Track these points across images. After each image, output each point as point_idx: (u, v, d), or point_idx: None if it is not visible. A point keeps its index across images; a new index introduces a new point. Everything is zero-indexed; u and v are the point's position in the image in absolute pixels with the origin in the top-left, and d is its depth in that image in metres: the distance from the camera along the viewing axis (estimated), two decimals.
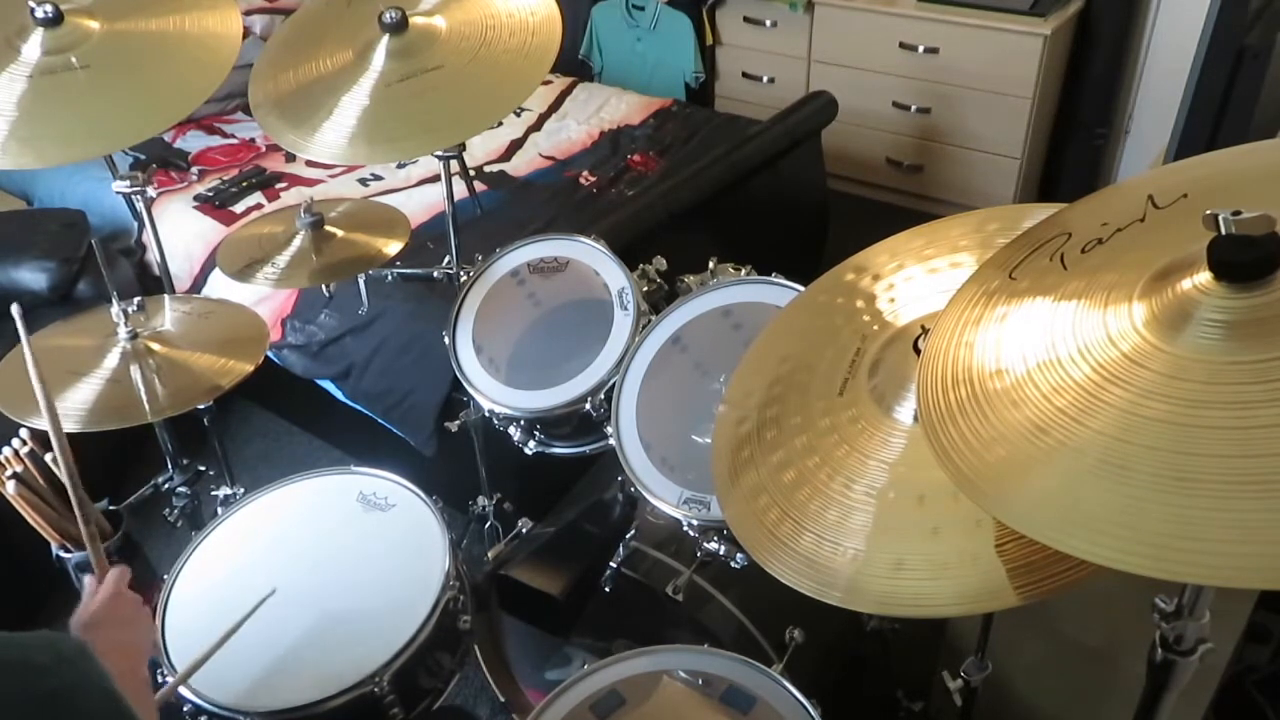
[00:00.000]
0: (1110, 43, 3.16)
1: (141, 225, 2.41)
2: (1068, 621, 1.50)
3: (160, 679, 1.25)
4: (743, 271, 1.50)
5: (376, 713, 1.26)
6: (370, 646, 1.26)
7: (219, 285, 2.46)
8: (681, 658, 1.27)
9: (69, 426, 1.32)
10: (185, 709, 1.23)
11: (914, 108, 3.38)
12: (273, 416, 2.78)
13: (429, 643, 1.29)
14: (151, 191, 1.56)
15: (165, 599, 1.34)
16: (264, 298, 2.34)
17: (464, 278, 1.66)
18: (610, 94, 3.29)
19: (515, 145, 2.98)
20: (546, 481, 1.83)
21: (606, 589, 1.47)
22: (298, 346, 2.39)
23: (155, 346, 1.44)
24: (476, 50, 1.48)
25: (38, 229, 2.47)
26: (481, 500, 1.99)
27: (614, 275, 1.55)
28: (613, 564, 1.47)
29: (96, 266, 2.43)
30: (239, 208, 2.65)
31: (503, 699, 1.69)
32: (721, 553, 1.31)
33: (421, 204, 2.55)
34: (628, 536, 1.49)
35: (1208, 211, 0.68)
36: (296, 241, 1.60)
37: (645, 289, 1.55)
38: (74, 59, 1.41)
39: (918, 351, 1.01)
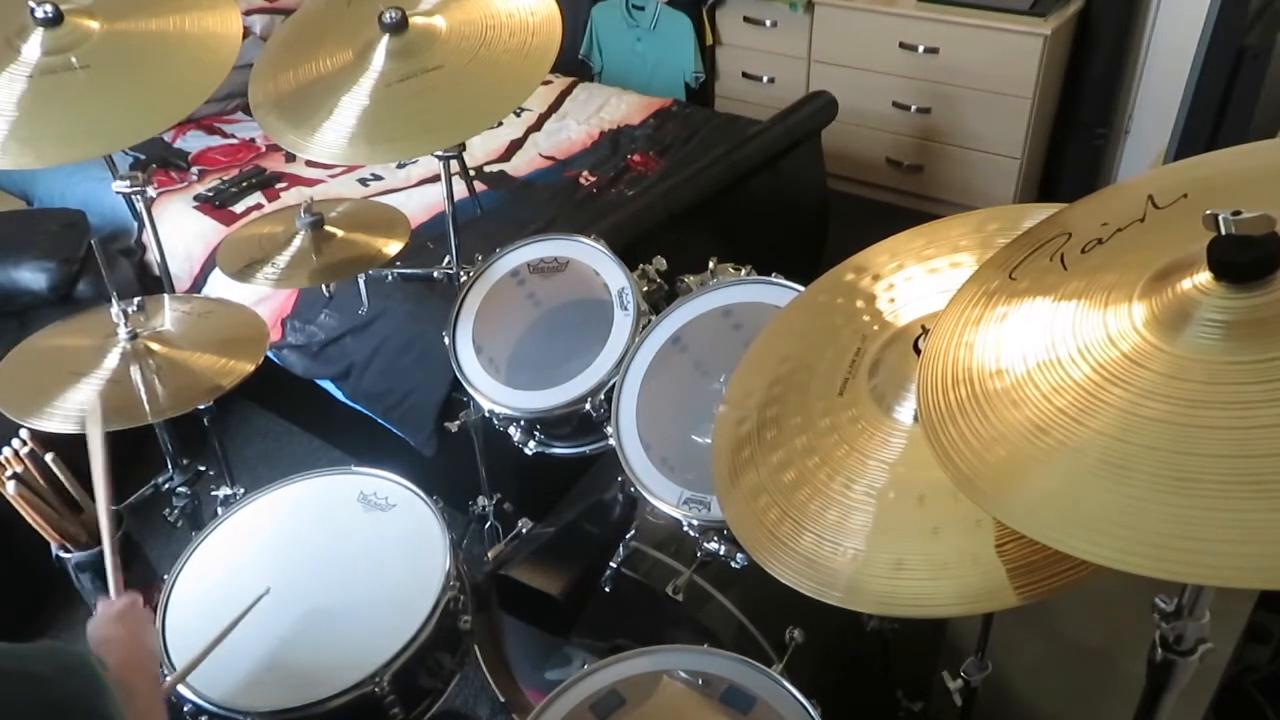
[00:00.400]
0: (1110, 43, 3.16)
1: (141, 225, 2.41)
2: (1068, 621, 1.50)
3: (160, 678, 1.25)
4: (743, 271, 1.50)
5: (377, 713, 1.26)
6: (370, 646, 1.26)
7: (219, 285, 2.46)
8: (681, 658, 1.27)
9: (69, 427, 1.32)
10: (185, 709, 1.24)
11: (914, 108, 3.38)
12: (273, 416, 2.78)
13: (429, 643, 1.29)
14: (151, 191, 1.57)
15: (165, 599, 1.34)
16: (264, 298, 2.34)
17: (464, 278, 1.66)
18: (610, 94, 3.29)
19: (515, 145, 2.98)
20: (546, 481, 1.83)
21: (606, 589, 1.47)
22: (298, 346, 2.39)
23: (155, 346, 1.45)
24: (476, 50, 1.48)
25: (38, 229, 2.47)
26: (481, 500, 1.99)
27: (614, 275, 1.55)
28: (613, 564, 1.47)
29: (96, 266, 2.43)
30: (239, 208, 2.65)
31: (503, 699, 1.69)
32: (721, 553, 1.31)
33: (421, 204, 2.55)
34: (628, 536, 1.49)
35: (1208, 211, 0.68)
36: (296, 241, 1.60)
37: (645, 289, 1.55)
38: (74, 59, 1.41)
39: (918, 351, 1.01)
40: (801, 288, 1.33)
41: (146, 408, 1.36)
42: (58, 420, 1.33)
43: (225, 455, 1.77)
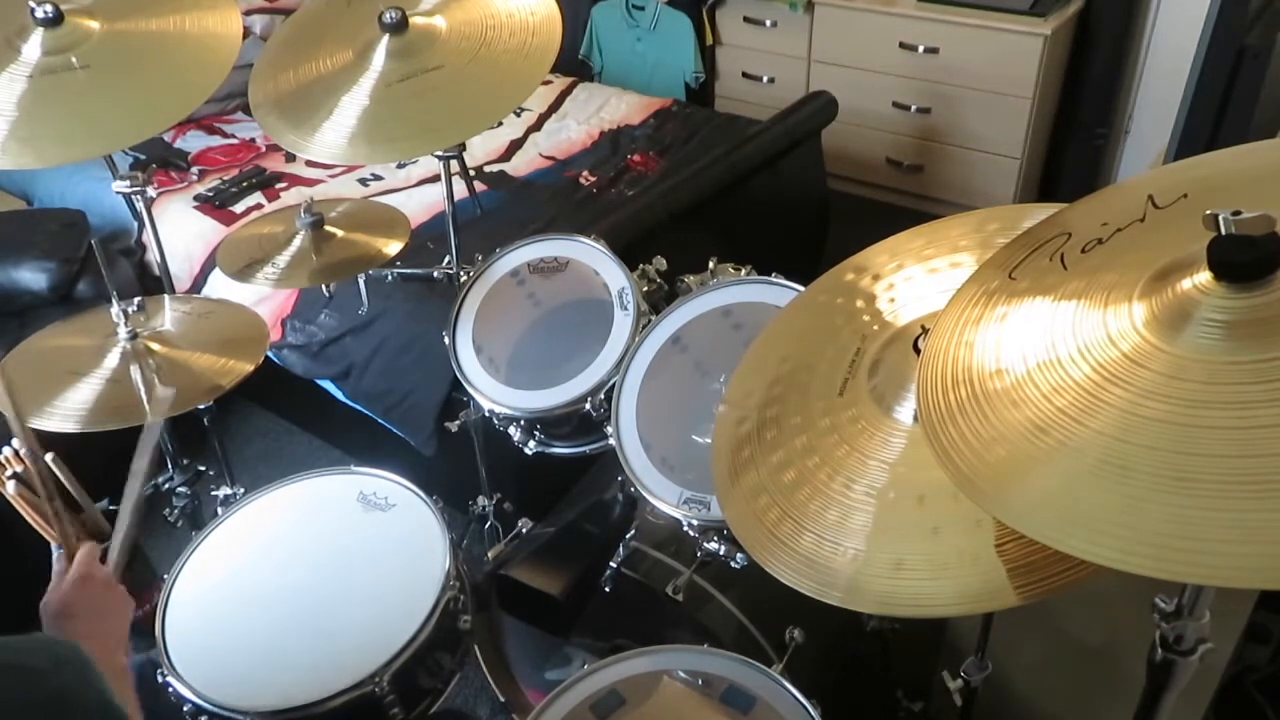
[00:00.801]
0: (1110, 43, 3.16)
1: (141, 225, 2.41)
2: (1068, 621, 1.50)
3: (160, 679, 1.25)
4: (743, 271, 1.50)
5: (377, 713, 1.26)
6: (370, 646, 1.26)
7: (219, 285, 2.46)
8: (681, 658, 1.27)
9: (69, 427, 1.32)
10: (185, 709, 1.23)
11: (914, 108, 3.38)
12: (273, 416, 2.78)
13: (429, 643, 1.29)
14: (151, 191, 1.57)
15: (165, 599, 1.34)
16: (264, 298, 2.34)
17: (464, 278, 1.66)
18: (610, 94, 3.29)
19: (515, 145, 2.98)
20: (546, 481, 1.83)
21: (606, 589, 1.47)
22: (298, 346, 2.39)
23: (155, 346, 1.45)
24: (476, 50, 1.48)
25: (38, 229, 2.47)
26: (481, 500, 1.99)
27: (614, 275, 1.55)
28: (613, 564, 1.47)
29: (96, 266, 2.43)
30: (239, 208, 2.65)
31: (503, 699, 1.69)
32: (721, 553, 1.31)
33: (421, 204, 2.56)
34: (628, 536, 1.49)
35: (1208, 211, 0.68)
36: (296, 241, 1.60)
37: (645, 289, 1.55)
38: (74, 59, 1.41)
39: (918, 351, 1.01)
40: (801, 288, 1.33)
41: (146, 407, 1.36)
42: (57, 420, 1.33)
43: (225, 455, 1.77)
